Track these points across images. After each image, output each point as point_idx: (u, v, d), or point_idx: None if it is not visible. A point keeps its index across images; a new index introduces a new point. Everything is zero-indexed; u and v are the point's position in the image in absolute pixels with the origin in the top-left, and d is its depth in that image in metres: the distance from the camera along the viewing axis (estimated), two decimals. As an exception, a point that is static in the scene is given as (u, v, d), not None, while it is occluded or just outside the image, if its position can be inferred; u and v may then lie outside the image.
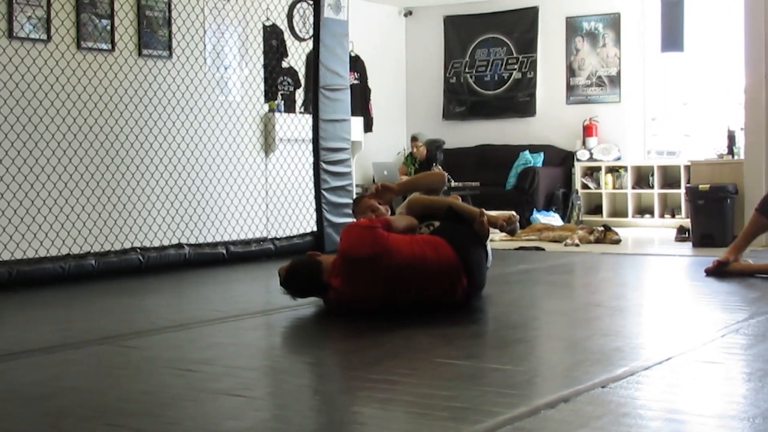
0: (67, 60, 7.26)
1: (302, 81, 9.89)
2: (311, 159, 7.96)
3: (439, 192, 5.39)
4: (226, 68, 8.91)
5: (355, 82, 11.00)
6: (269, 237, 7.99)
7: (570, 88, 11.88)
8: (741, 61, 8.77)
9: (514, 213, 5.30)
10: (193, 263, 6.93)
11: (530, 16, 12.11)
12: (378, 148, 11.85)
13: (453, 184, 10.20)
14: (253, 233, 8.50)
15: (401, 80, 13.00)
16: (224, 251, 7.22)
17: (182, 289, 6.11)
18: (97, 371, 3.55)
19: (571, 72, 11.87)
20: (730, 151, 9.09)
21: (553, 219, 10.69)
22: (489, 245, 5.03)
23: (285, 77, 9.75)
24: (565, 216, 11.15)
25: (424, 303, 4.48)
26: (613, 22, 11.58)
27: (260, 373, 3.54)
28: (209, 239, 8.08)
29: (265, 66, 9.31)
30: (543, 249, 8.34)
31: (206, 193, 8.48)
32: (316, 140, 7.78)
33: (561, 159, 11.79)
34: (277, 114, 9.22)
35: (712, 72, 11.11)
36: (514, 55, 12.25)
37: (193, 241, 7.78)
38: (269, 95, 9.37)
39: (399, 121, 12.84)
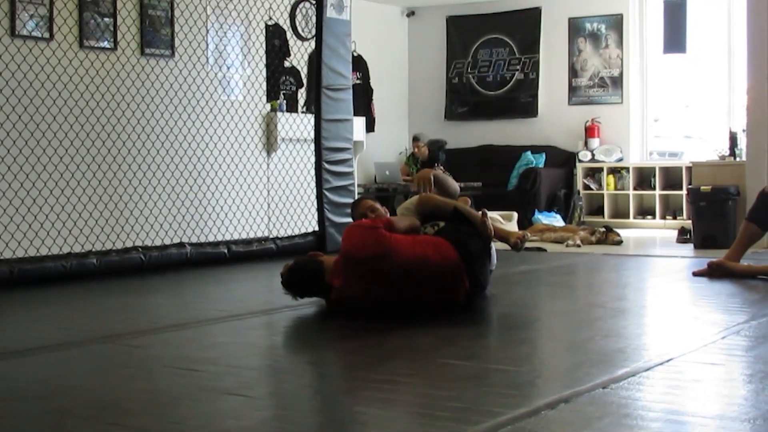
0: (70, 59, 7.26)
1: (304, 81, 9.88)
2: (313, 159, 7.96)
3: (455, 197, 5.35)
4: (228, 67, 8.90)
5: (358, 82, 11.00)
6: (271, 236, 7.99)
7: (572, 89, 11.88)
8: (743, 63, 8.76)
9: (527, 233, 5.34)
10: (194, 262, 6.93)
11: (533, 16, 12.10)
12: (380, 148, 11.85)
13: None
14: (255, 233, 8.50)
15: (403, 80, 13.00)
16: (226, 251, 7.21)
17: (184, 289, 6.12)
18: (99, 370, 3.55)
19: (573, 73, 11.87)
20: (732, 153, 9.08)
21: (555, 220, 10.68)
22: (494, 247, 5.03)
23: (287, 77, 9.74)
24: (567, 217, 11.15)
25: (425, 303, 4.49)
26: (616, 23, 11.58)
27: (262, 373, 3.54)
28: (211, 238, 8.08)
29: (267, 65, 9.30)
30: (545, 250, 8.34)
31: (208, 193, 8.48)
32: (318, 140, 7.78)
33: (563, 160, 11.78)
34: (279, 113, 9.21)
35: (715, 73, 11.11)
36: (517, 55, 12.25)
37: (194, 240, 7.79)
38: (271, 95, 9.36)
39: (401, 121, 12.84)
